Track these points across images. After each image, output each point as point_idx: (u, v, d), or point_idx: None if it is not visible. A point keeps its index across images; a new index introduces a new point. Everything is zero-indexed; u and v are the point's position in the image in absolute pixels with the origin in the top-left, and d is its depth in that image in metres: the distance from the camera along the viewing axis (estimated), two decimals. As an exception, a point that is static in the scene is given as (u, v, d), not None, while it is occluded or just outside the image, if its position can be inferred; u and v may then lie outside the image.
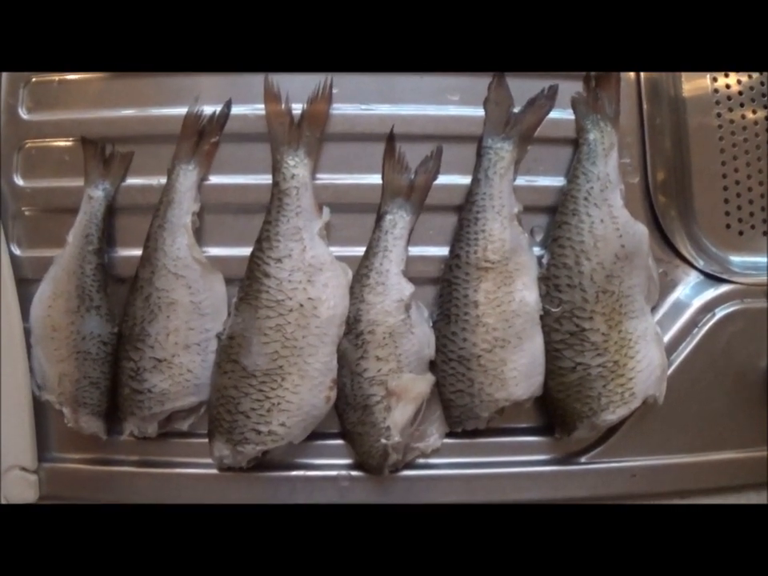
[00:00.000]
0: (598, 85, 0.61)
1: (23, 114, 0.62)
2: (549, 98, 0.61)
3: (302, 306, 0.55)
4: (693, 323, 0.60)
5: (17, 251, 0.62)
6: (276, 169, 0.59)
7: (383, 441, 0.55)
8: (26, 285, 0.61)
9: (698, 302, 0.61)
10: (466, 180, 0.60)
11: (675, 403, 0.59)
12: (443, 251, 0.60)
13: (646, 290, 0.59)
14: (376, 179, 0.61)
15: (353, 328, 0.57)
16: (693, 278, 0.62)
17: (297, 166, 0.58)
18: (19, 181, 0.62)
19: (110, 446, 0.60)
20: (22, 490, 0.60)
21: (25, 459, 0.60)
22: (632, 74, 0.63)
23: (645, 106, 0.62)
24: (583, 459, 0.59)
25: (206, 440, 0.59)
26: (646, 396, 0.56)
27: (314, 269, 0.56)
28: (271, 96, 0.59)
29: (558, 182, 0.61)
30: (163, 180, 0.60)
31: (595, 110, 0.61)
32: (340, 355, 0.56)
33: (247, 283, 0.57)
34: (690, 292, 0.61)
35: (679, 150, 0.63)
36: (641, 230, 0.58)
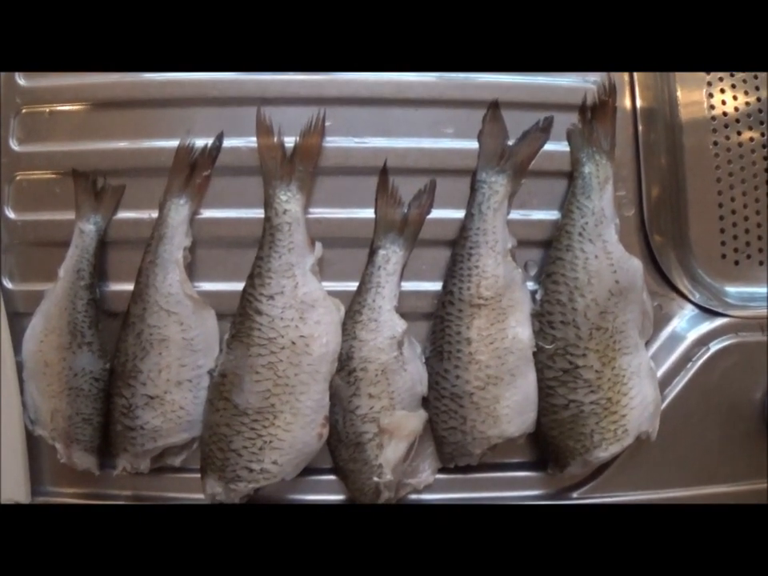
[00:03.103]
0: (593, 117, 0.61)
1: (14, 145, 0.62)
2: (544, 131, 0.60)
3: (293, 343, 0.55)
4: (687, 357, 0.60)
5: (8, 284, 0.61)
6: (268, 204, 0.58)
7: (375, 479, 0.55)
8: (18, 318, 0.61)
9: (692, 336, 0.61)
10: (459, 214, 0.60)
11: (668, 437, 0.59)
12: (436, 286, 0.60)
13: (640, 324, 0.58)
14: (369, 213, 0.60)
15: (345, 365, 0.56)
16: (688, 311, 0.61)
17: (289, 201, 0.58)
18: (10, 213, 0.62)
19: (103, 481, 0.60)
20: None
21: (18, 493, 0.59)
22: (628, 104, 0.62)
23: (641, 136, 0.62)
24: (575, 495, 0.59)
25: (199, 475, 0.59)
26: (639, 432, 0.56)
27: (306, 305, 0.56)
28: (263, 129, 0.59)
29: (553, 215, 0.61)
30: (155, 214, 0.60)
31: (591, 143, 0.60)
32: (332, 392, 0.56)
33: (239, 320, 0.57)
34: (686, 325, 0.61)
35: (675, 180, 0.63)
36: (635, 265, 0.58)
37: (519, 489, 0.60)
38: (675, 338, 0.61)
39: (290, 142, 0.59)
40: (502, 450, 0.58)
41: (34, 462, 0.60)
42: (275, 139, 0.59)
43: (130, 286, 0.59)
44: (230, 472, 0.55)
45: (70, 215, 0.61)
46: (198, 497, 0.59)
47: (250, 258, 0.59)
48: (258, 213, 0.59)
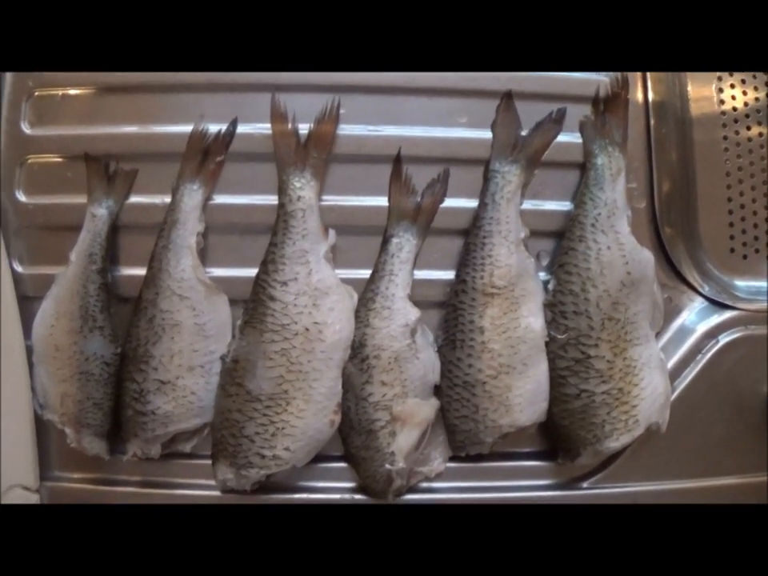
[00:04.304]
0: (606, 109, 0.61)
1: (25, 128, 0.61)
2: (557, 122, 0.61)
3: (307, 330, 0.55)
4: (697, 349, 0.60)
5: (18, 268, 0.61)
6: (282, 190, 0.58)
7: (387, 466, 0.55)
8: (27, 302, 0.60)
9: (702, 328, 0.61)
10: (472, 203, 0.60)
11: (677, 429, 0.59)
12: (449, 275, 0.60)
13: (650, 316, 0.59)
14: (381, 201, 0.60)
15: (358, 352, 0.56)
16: (698, 303, 0.62)
17: (303, 187, 0.58)
18: (21, 197, 0.61)
19: (112, 466, 0.60)
20: (23, 509, 0.59)
21: (26, 478, 0.59)
22: (640, 97, 0.63)
23: (652, 130, 0.62)
24: (585, 484, 0.59)
25: (209, 461, 0.58)
26: (650, 423, 0.57)
27: (319, 292, 0.56)
28: (278, 116, 0.59)
29: (565, 206, 0.61)
30: (167, 199, 0.59)
31: (603, 135, 0.60)
32: (345, 380, 0.56)
33: (252, 306, 0.57)
34: (695, 318, 0.61)
35: (685, 174, 0.63)
36: (647, 257, 0.58)
37: (529, 478, 0.60)
38: (685, 330, 0.61)
39: (303, 129, 0.59)
40: (512, 439, 0.59)
41: (41, 447, 0.60)
42: (289, 126, 0.59)
43: (141, 271, 0.59)
44: (241, 458, 0.55)
45: (81, 199, 0.60)
46: (208, 483, 0.59)
47: (262, 245, 0.59)
48: (271, 199, 0.59)
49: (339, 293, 0.57)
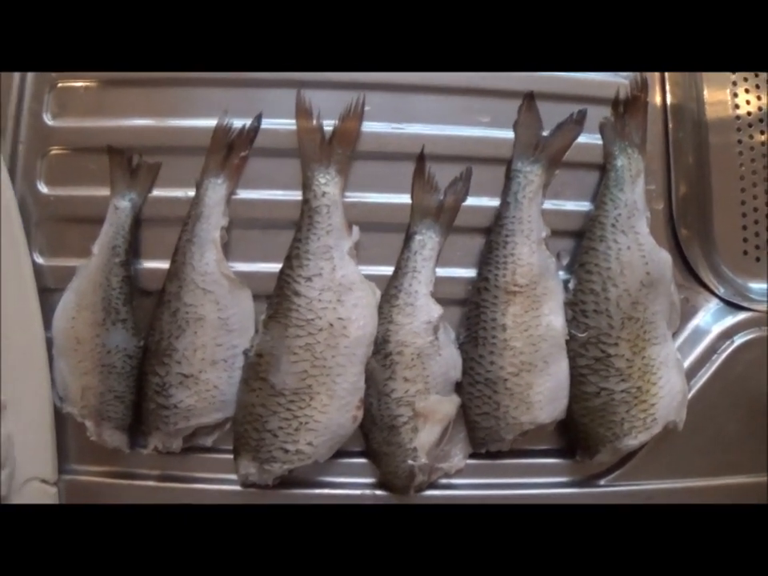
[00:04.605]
0: (626, 111, 0.62)
1: (48, 119, 0.61)
2: (578, 123, 0.61)
3: (331, 325, 0.55)
4: (712, 350, 0.61)
5: (39, 260, 0.61)
6: (306, 186, 0.58)
7: (410, 462, 0.56)
8: (47, 294, 0.60)
9: (717, 329, 0.62)
10: (493, 202, 0.61)
11: (692, 428, 0.59)
12: (470, 273, 0.60)
13: (668, 316, 0.60)
14: (404, 199, 0.61)
15: (381, 348, 0.57)
16: (713, 304, 0.63)
17: (328, 183, 0.58)
18: (43, 188, 0.61)
19: (131, 459, 0.60)
20: (42, 502, 0.59)
21: (45, 471, 0.59)
22: (658, 100, 0.64)
23: (670, 133, 0.63)
24: (602, 482, 0.60)
25: (229, 456, 0.59)
26: (667, 422, 0.57)
27: (343, 288, 0.56)
28: (303, 112, 0.59)
29: (584, 206, 0.62)
30: (190, 192, 0.60)
31: (623, 137, 0.61)
32: (367, 375, 0.56)
33: (276, 301, 0.57)
34: (710, 319, 0.62)
35: (701, 176, 0.64)
36: (665, 257, 0.59)
37: (546, 475, 0.60)
38: (700, 331, 0.62)
39: (327, 125, 0.60)
40: (530, 437, 0.59)
41: (59, 440, 0.60)
42: (314, 122, 0.59)
43: (163, 265, 0.59)
44: (264, 452, 0.55)
45: (103, 191, 0.60)
46: (228, 477, 0.59)
47: (284, 240, 0.59)
48: (293, 195, 0.60)
49: (363, 289, 0.57)
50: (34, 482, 0.59)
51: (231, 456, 0.58)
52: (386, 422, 0.56)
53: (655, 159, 0.62)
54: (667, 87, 0.64)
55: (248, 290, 0.58)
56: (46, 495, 0.59)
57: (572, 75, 0.62)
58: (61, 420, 0.59)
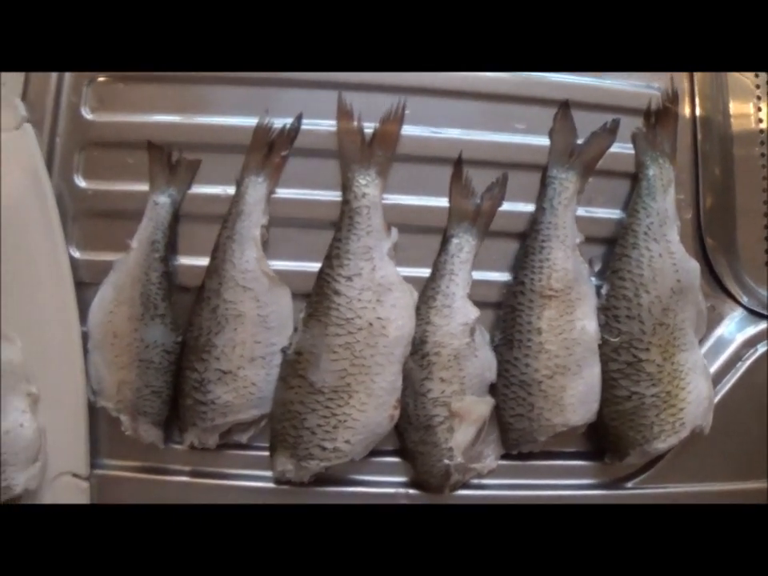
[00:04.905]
0: (657, 122, 0.63)
1: (86, 113, 0.61)
2: (611, 132, 0.63)
3: (371, 324, 0.56)
4: (737, 357, 0.63)
5: (75, 254, 0.61)
6: (347, 187, 0.59)
7: (446, 461, 0.56)
8: (82, 288, 0.60)
9: (741, 338, 0.63)
10: (527, 208, 0.62)
11: (717, 433, 0.61)
12: (504, 276, 0.61)
13: (695, 323, 0.61)
14: (440, 202, 0.62)
15: (418, 349, 0.57)
16: (738, 313, 0.64)
17: (368, 185, 0.59)
18: (80, 182, 0.61)
19: (163, 455, 0.60)
20: (73, 496, 0.59)
21: (77, 465, 0.59)
22: (687, 112, 0.65)
23: (699, 144, 0.64)
24: (630, 484, 0.61)
25: (262, 453, 0.59)
26: (694, 426, 0.59)
27: (383, 288, 0.57)
28: (344, 114, 0.60)
29: (615, 214, 0.63)
30: (229, 190, 0.60)
31: (654, 147, 0.63)
32: (404, 375, 0.57)
33: (316, 299, 0.57)
34: (735, 327, 0.64)
35: (726, 186, 0.66)
36: (694, 266, 0.61)
37: (575, 477, 0.61)
38: (726, 338, 0.64)
39: (366, 128, 0.60)
40: (560, 439, 0.60)
41: (91, 434, 0.59)
42: (355, 124, 0.60)
43: (200, 261, 0.60)
44: (302, 450, 0.56)
45: (141, 187, 0.61)
46: (261, 473, 0.59)
47: (322, 239, 0.60)
48: (331, 195, 0.60)
49: (401, 290, 0.58)
50: (66, 476, 0.59)
51: (265, 453, 0.59)
52: (422, 422, 0.57)
53: (684, 170, 0.64)
54: (696, 100, 0.65)
55: (287, 288, 0.58)
56: (78, 490, 0.59)
57: (606, 85, 0.64)
58: (93, 414, 0.59)
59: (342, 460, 0.56)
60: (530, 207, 0.62)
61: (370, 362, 0.56)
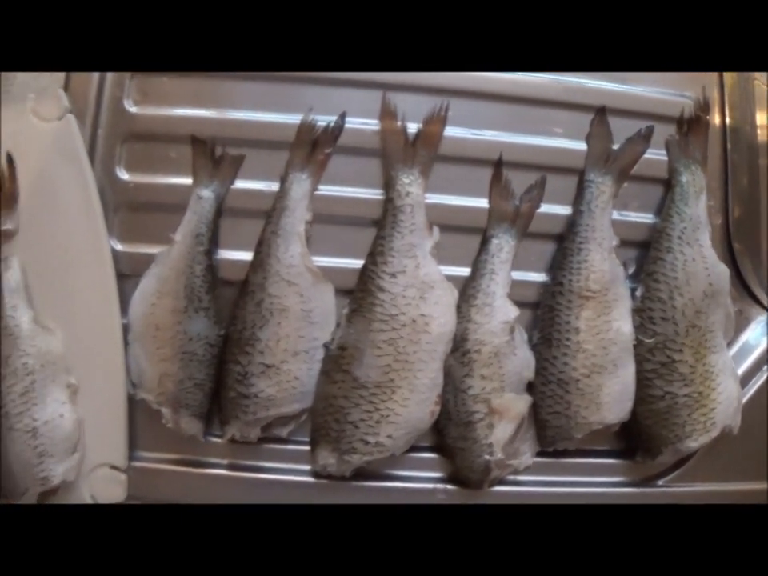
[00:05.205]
0: (689, 130, 0.65)
1: (128, 106, 0.61)
2: (645, 138, 0.64)
3: (414, 321, 0.57)
4: (762, 360, 0.65)
5: (115, 246, 0.61)
6: (390, 185, 0.60)
7: (486, 457, 0.57)
8: (122, 280, 0.60)
9: (766, 342, 0.65)
10: (563, 210, 0.63)
11: (743, 434, 0.62)
12: (541, 277, 0.63)
13: (724, 326, 0.63)
14: (478, 202, 0.63)
15: (459, 346, 0.58)
16: (764, 317, 0.66)
17: (411, 184, 0.60)
18: (122, 174, 0.61)
19: (200, 448, 0.60)
20: (111, 488, 0.59)
21: (115, 457, 0.59)
22: (718, 121, 0.67)
23: (729, 153, 0.66)
24: (660, 482, 0.63)
25: (299, 447, 0.60)
26: (724, 426, 0.60)
27: (426, 286, 0.58)
28: (388, 113, 0.61)
29: (648, 218, 0.64)
30: (272, 186, 0.60)
31: (687, 154, 0.64)
32: (445, 372, 0.58)
33: (360, 295, 0.58)
34: (761, 331, 0.66)
35: (753, 195, 0.68)
36: (724, 270, 0.62)
37: (606, 475, 0.63)
38: (751, 343, 0.65)
39: (408, 128, 0.61)
40: (592, 437, 0.61)
41: (129, 427, 0.60)
42: (398, 124, 0.61)
43: (241, 255, 0.60)
44: (345, 444, 0.56)
45: (182, 180, 0.61)
46: (299, 468, 0.60)
47: (362, 236, 0.60)
48: (370, 192, 0.61)
49: (443, 287, 0.58)
50: (104, 468, 0.59)
51: (303, 447, 0.60)
52: (463, 418, 0.58)
53: (714, 177, 0.66)
54: (726, 110, 0.67)
55: (330, 284, 0.59)
56: (116, 482, 0.59)
57: (640, 93, 0.65)
58: (130, 406, 0.59)
59: (384, 454, 0.57)
60: (565, 210, 0.63)
61: (413, 358, 0.57)
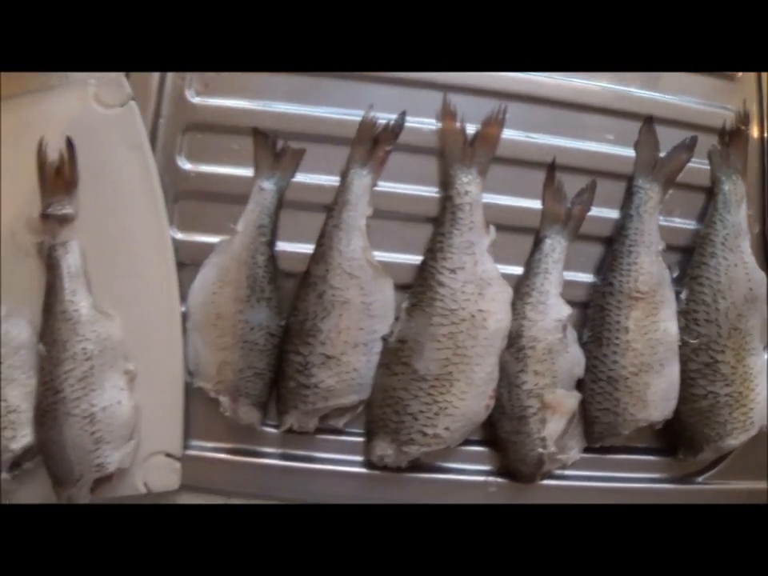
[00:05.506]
0: (730, 141, 0.67)
1: (190, 96, 0.62)
2: (689, 148, 0.66)
3: (473, 316, 0.58)
4: (795, 363, 0.67)
5: (174, 234, 0.61)
6: (449, 184, 0.61)
7: (540, 450, 0.59)
8: (180, 269, 0.60)
9: (798, 346, 0.68)
10: (609, 213, 0.65)
11: (775, 433, 0.65)
12: (589, 277, 0.64)
13: (760, 330, 0.65)
14: (529, 203, 0.64)
15: (514, 342, 0.60)
16: (796, 323, 0.69)
17: (470, 183, 0.61)
18: (183, 164, 0.62)
19: (253, 437, 0.61)
20: (166, 476, 0.59)
21: (171, 445, 0.59)
22: (756, 133, 0.69)
23: (767, 164, 0.69)
24: (700, 479, 0.65)
25: (352, 437, 0.61)
26: (761, 425, 0.63)
27: (484, 282, 0.59)
28: (448, 114, 0.62)
29: (690, 224, 0.66)
30: (330, 180, 0.61)
31: (728, 164, 0.67)
32: (500, 367, 0.59)
33: (420, 290, 0.59)
34: (793, 336, 0.68)
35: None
36: (762, 276, 0.65)
37: (647, 471, 0.65)
38: (784, 347, 0.68)
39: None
40: (635, 434, 0.63)
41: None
42: (458, 124, 0.62)
43: (299, 248, 0.61)
44: (404, 435, 0.57)
45: (243, 171, 0.61)
46: (351, 458, 0.61)
47: (416, 233, 0.62)
48: (423, 190, 0.63)
49: (500, 285, 0.60)
50: (159, 455, 0.59)
51: (354, 438, 0.61)
52: (516, 412, 0.59)
53: (752, 187, 0.68)
54: (765, 123, 0.70)
55: (389, 278, 0.60)
56: (171, 470, 0.59)
57: (686, 104, 0.67)
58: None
59: (440, 446, 0.58)
60: (610, 213, 0.65)
61: (471, 353, 0.58)
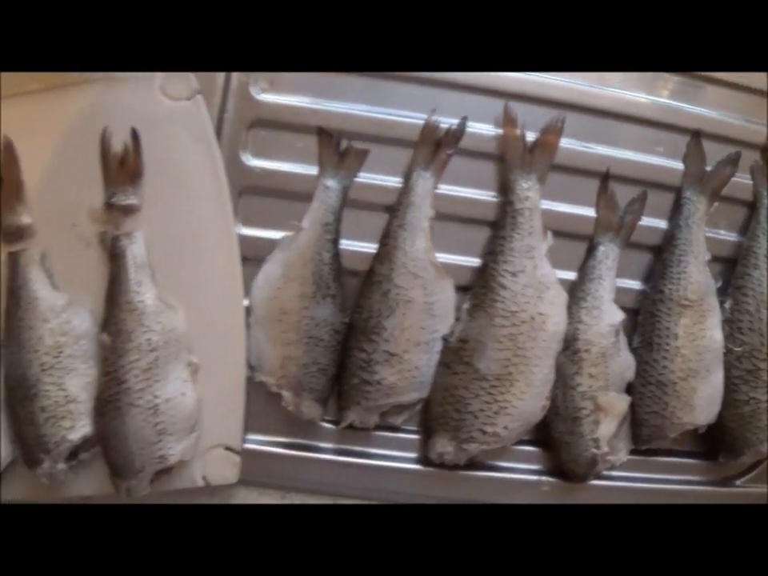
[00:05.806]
0: (771, 157, 0.70)
1: (255, 93, 0.62)
2: (734, 162, 0.69)
3: (533, 318, 0.60)
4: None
5: (239, 229, 0.61)
6: (510, 189, 0.63)
7: (593, 450, 0.60)
8: (243, 264, 0.60)
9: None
10: (657, 223, 0.67)
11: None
12: (637, 284, 0.66)
13: (798, 340, 0.68)
14: (583, 210, 0.66)
15: (570, 345, 0.61)
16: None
17: (530, 189, 0.63)
18: (247, 159, 0.62)
19: (310, 432, 0.61)
20: (225, 470, 0.59)
21: (232, 439, 0.59)
22: (792, 153, 0.72)
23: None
24: (739, 482, 0.67)
25: (407, 435, 0.62)
26: (798, 432, 0.66)
27: (543, 286, 0.61)
28: (510, 121, 0.64)
29: (730, 236, 0.69)
30: (390, 180, 0.63)
31: (769, 181, 0.70)
32: (556, 369, 0.61)
33: (481, 291, 0.60)
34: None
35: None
36: (799, 288, 0.68)
37: (689, 474, 0.67)
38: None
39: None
40: (679, 438, 0.65)
41: (242, 409, 0.60)
42: (519, 132, 0.64)
43: (360, 246, 0.62)
44: (464, 433, 0.58)
45: (307, 169, 0.62)
46: (406, 455, 0.62)
47: (473, 236, 0.63)
48: (480, 194, 0.64)
49: (558, 289, 0.62)
50: (219, 449, 0.59)
51: (410, 435, 0.62)
52: (570, 413, 0.61)
53: (790, 202, 0.71)
54: (802, 141, 0.73)
55: (450, 279, 0.61)
56: (230, 463, 0.59)
57: (730, 120, 0.70)
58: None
59: (498, 445, 0.59)
60: (659, 223, 0.67)
61: (531, 354, 0.59)
